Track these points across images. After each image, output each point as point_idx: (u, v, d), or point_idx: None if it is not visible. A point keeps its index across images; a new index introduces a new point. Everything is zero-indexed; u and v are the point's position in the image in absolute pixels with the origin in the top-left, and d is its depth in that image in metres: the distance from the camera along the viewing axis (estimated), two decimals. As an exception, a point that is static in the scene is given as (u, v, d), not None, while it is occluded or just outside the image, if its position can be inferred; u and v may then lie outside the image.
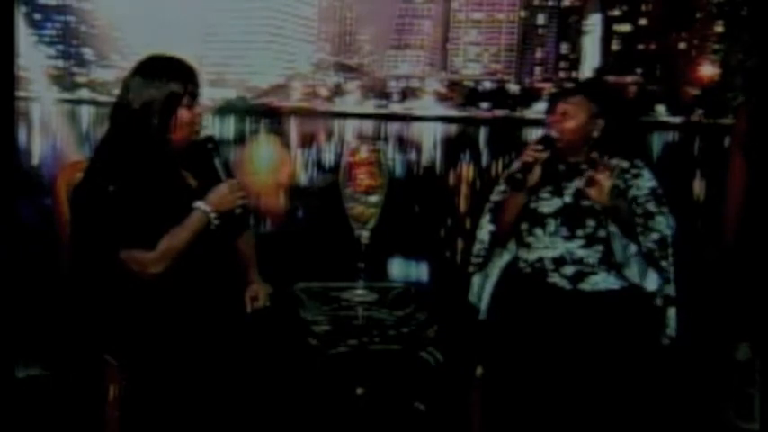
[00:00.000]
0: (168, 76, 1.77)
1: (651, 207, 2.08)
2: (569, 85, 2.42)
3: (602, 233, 2.07)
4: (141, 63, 1.80)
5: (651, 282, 2.05)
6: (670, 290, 2.07)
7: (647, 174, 2.13)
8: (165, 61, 1.81)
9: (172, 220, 1.74)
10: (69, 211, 1.84)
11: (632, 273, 2.05)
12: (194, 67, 1.84)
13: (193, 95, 1.79)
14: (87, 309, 1.79)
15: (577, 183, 2.10)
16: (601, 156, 2.05)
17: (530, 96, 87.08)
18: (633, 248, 2.05)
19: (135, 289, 1.73)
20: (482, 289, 2.23)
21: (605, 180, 1.96)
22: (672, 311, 2.07)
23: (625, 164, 2.14)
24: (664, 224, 2.07)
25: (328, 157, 19.22)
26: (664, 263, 2.06)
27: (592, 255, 2.07)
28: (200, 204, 1.77)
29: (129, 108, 1.75)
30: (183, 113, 1.77)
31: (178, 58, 1.83)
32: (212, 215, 1.77)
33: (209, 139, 1.86)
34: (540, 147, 2.06)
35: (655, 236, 2.06)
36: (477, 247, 2.26)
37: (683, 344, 2.12)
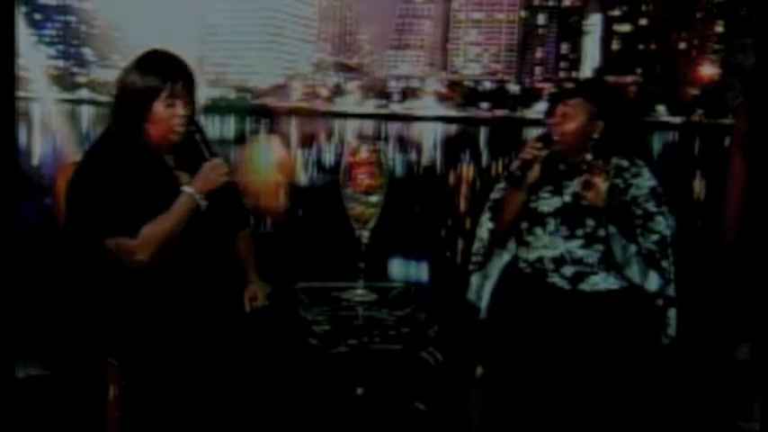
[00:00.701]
0: (149, 70, 1.77)
1: (651, 207, 2.08)
2: (569, 85, 2.42)
3: (601, 233, 2.07)
4: (136, 58, 1.82)
5: (652, 283, 2.05)
6: (670, 290, 2.07)
7: (646, 173, 2.13)
8: (155, 55, 1.82)
9: (160, 209, 1.74)
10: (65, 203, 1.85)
11: (633, 273, 2.05)
12: (186, 66, 1.82)
13: (174, 94, 1.77)
14: (87, 308, 1.79)
15: (577, 183, 2.10)
16: (600, 156, 2.05)
17: (530, 96, 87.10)
18: (633, 249, 2.05)
19: (135, 288, 1.73)
20: (481, 288, 2.23)
21: (601, 182, 1.97)
22: (672, 312, 2.07)
23: (625, 163, 2.14)
24: (663, 224, 2.07)
25: (328, 158, 19.22)
26: (664, 263, 2.06)
27: (591, 254, 2.07)
28: (184, 188, 1.77)
29: (117, 103, 1.78)
30: (159, 109, 1.76)
31: (172, 54, 1.82)
32: (197, 196, 1.76)
33: (195, 125, 1.85)
34: (539, 144, 2.06)
35: (654, 236, 2.06)
36: (476, 246, 2.26)
37: (683, 344, 2.12)
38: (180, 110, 1.78)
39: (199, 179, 1.78)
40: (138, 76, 1.77)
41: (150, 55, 1.82)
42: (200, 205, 1.77)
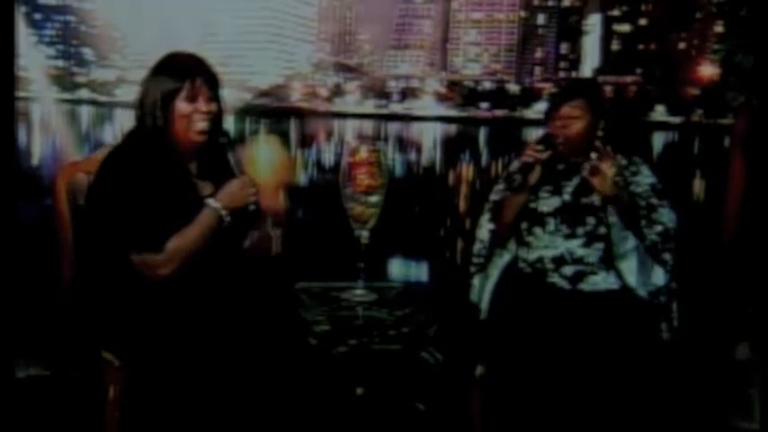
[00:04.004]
0: (168, 70, 1.78)
1: (653, 201, 2.08)
2: (566, 84, 2.42)
3: (601, 230, 2.07)
4: (158, 60, 1.82)
5: (657, 277, 2.05)
6: (673, 283, 2.07)
7: (645, 170, 2.13)
8: (172, 57, 1.82)
9: (182, 220, 1.72)
10: (75, 210, 1.85)
11: (628, 267, 2.04)
12: (207, 64, 1.82)
13: (195, 90, 1.77)
14: (91, 308, 1.79)
15: (577, 181, 2.11)
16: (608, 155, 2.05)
17: (530, 96, 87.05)
18: (632, 242, 2.05)
19: (136, 289, 1.73)
20: (482, 289, 2.23)
21: (608, 168, 1.96)
22: (675, 305, 2.07)
23: (624, 161, 2.14)
24: (667, 217, 2.07)
25: (328, 157, 19.22)
26: (667, 256, 2.06)
27: (592, 253, 2.07)
28: (210, 201, 1.75)
29: (138, 106, 1.78)
30: (181, 106, 1.75)
31: (192, 54, 1.83)
32: (223, 212, 1.74)
33: (223, 133, 1.84)
34: (540, 147, 2.05)
35: (659, 228, 2.06)
36: (477, 247, 2.26)
37: (684, 343, 2.12)
38: (202, 106, 1.77)
39: (225, 194, 1.76)
40: (158, 78, 1.77)
41: (170, 56, 1.83)
42: (224, 221, 1.75)
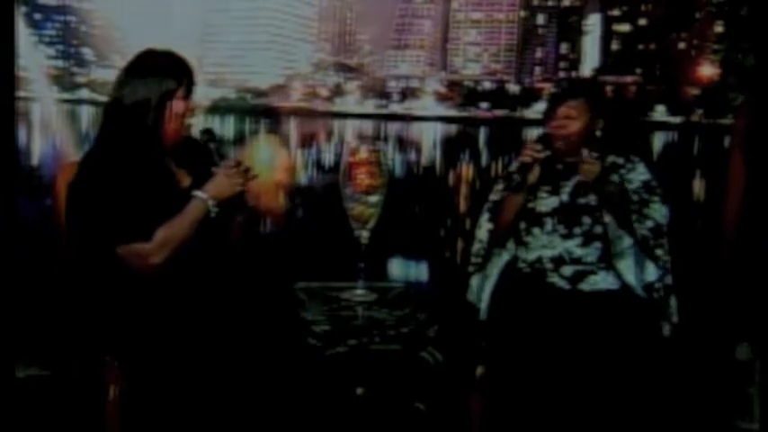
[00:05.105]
0: (164, 71, 1.79)
1: (645, 196, 2.09)
2: (565, 84, 2.42)
3: (598, 230, 2.08)
4: (136, 59, 1.82)
5: (649, 272, 2.06)
6: (669, 279, 2.08)
7: (641, 168, 2.14)
8: (160, 56, 1.83)
9: (168, 213, 1.73)
10: (65, 208, 1.84)
11: (626, 265, 2.05)
12: (187, 60, 1.84)
13: (188, 88, 1.81)
14: (87, 308, 1.79)
15: (574, 181, 2.11)
16: (598, 152, 2.07)
17: (530, 96, 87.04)
18: (628, 241, 2.05)
19: (135, 288, 1.73)
20: (481, 289, 2.23)
21: (591, 162, 2.00)
22: (673, 300, 2.08)
23: (620, 160, 2.15)
24: (658, 212, 2.08)
25: (328, 157, 19.23)
26: (659, 251, 2.06)
27: (590, 253, 2.07)
28: (197, 192, 1.76)
29: (124, 104, 1.77)
30: (178, 105, 1.79)
31: (171, 52, 1.84)
32: (210, 202, 1.76)
33: (206, 131, 1.87)
34: (538, 147, 2.06)
35: (650, 223, 2.07)
36: (476, 247, 2.26)
37: (684, 343, 2.12)
38: (191, 103, 1.82)
39: (213, 185, 1.77)
40: (153, 78, 1.78)
41: (158, 56, 1.83)
42: (211, 212, 1.76)
